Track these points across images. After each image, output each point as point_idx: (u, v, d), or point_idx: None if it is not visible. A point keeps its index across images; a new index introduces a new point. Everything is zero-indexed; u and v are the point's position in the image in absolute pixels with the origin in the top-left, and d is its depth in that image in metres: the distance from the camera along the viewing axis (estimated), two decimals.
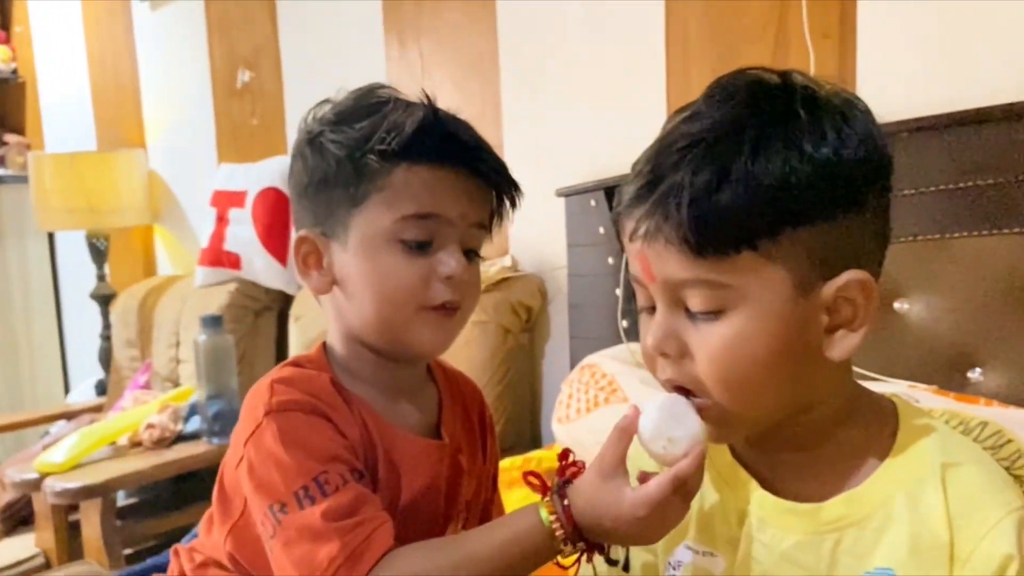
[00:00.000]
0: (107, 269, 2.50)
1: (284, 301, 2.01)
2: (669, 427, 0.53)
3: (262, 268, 1.98)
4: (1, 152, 3.06)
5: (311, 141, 0.66)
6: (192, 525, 1.37)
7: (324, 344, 0.70)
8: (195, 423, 1.69)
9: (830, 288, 0.50)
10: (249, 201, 2.01)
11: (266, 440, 0.60)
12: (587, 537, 0.55)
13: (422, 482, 0.66)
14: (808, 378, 0.52)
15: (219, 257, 2.06)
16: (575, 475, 0.57)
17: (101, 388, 2.47)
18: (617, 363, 1.20)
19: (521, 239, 1.61)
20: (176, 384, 2.03)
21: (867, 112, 0.52)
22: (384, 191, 0.63)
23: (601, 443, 0.56)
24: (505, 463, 1.09)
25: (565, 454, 0.60)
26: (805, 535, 0.54)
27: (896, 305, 1.03)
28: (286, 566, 0.58)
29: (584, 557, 0.57)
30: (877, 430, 0.55)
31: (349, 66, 1.88)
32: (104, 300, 2.46)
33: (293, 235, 0.69)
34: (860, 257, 0.51)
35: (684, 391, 0.54)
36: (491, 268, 1.52)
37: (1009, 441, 0.83)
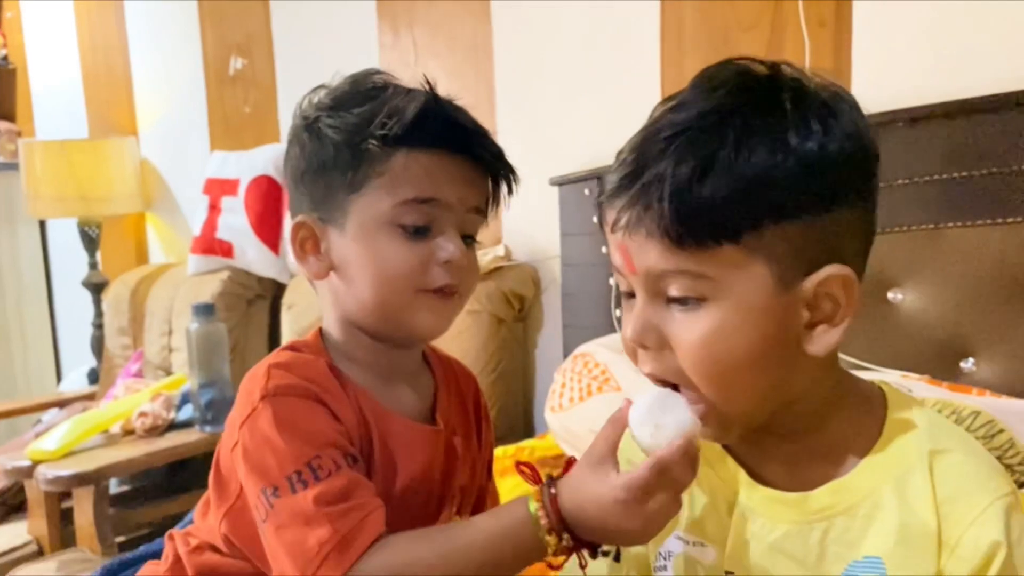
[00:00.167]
0: (99, 257, 2.49)
1: (276, 289, 2.01)
2: (658, 414, 0.53)
3: (254, 256, 1.97)
4: None
5: (308, 127, 0.66)
6: (185, 513, 1.36)
7: (320, 330, 0.70)
8: (187, 411, 1.69)
9: (811, 283, 0.50)
10: (241, 189, 2.00)
11: (261, 424, 0.60)
12: (572, 528, 0.54)
13: (417, 467, 0.67)
14: (790, 372, 0.52)
15: (211, 245, 2.05)
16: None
17: (93, 376, 2.46)
18: (610, 352, 1.20)
19: (514, 228, 1.60)
20: (168, 372, 2.02)
21: (855, 106, 0.51)
22: (383, 176, 0.63)
23: (594, 432, 0.56)
24: (498, 452, 1.09)
25: (570, 463, 0.59)
26: (794, 524, 0.54)
27: (889, 295, 1.03)
28: (278, 550, 0.58)
29: (576, 558, 0.56)
30: (864, 418, 0.55)
31: (342, 54, 1.87)
32: (96, 288, 2.45)
33: (287, 222, 0.69)
34: (843, 253, 0.51)
35: (672, 387, 0.53)
36: (484, 257, 1.52)
37: (1001, 431, 0.83)
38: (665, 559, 0.61)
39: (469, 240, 0.68)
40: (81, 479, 1.49)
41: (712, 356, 0.50)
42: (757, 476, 0.57)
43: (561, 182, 1.44)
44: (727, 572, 0.57)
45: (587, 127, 1.46)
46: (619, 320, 1.31)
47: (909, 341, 1.01)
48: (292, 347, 0.68)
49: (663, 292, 0.51)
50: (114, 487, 1.72)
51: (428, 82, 0.66)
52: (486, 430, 0.77)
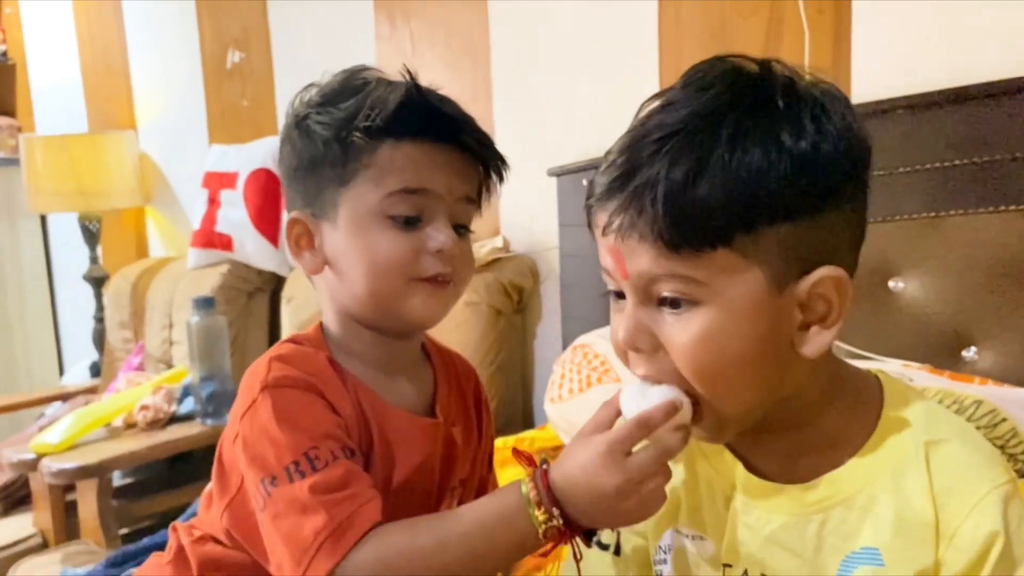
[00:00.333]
0: (100, 251, 2.49)
1: (276, 282, 2.01)
2: (645, 389, 0.52)
3: (254, 249, 1.97)
4: None
5: (298, 124, 0.67)
6: (187, 505, 1.38)
7: (321, 324, 0.70)
8: (189, 404, 1.69)
9: (804, 285, 0.49)
10: (240, 182, 2.00)
11: (260, 415, 0.61)
12: (562, 503, 0.53)
13: (416, 459, 0.67)
14: (783, 371, 0.52)
15: (211, 239, 2.05)
16: None
17: (95, 370, 2.47)
18: (609, 343, 1.20)
19: (512, 219, 1.60)
20: (169, 366, 2.03)
21: (846, 104, 0.51)
22: (370, 168, 0.64)
23: None
24: (498, 443, 1.09)
25: None
26: (791, 517, 0.54)
27: (891, 284, 1.02)
28: (274, 538, 0.58)
29: (572, 547, 0.55)
30: (860, 409, 0.54)
31: (339, 46, 1.87)
32: (97, 282, 2.45)
33: (285, 218, 0.69)
34: (835, 254, 0.50)
35: None
36: (482, 249, 1.52)
37: (1004, 420, 0.83)
38: (665, 552, 0.61)
39: (462, 230, 0.68)
40: (85, 472, 1.50)
41: (705, 358, 0.50)
42: (754, 469, 0.56)
43: (559, 173, 1.44)
44: (725, 565, 0.57)
45: (585, 117, 1.45)
46: None
47: (910, 330, 1.01)
48: (293, 340, 0.68)
49: (655, 295, 0.50)
50: (117, 480, 1.72)
51: (410, 72, 0.65)
52: (486, 422, 0.77)
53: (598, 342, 1.21)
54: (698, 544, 0.59)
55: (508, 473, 0.95)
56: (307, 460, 0.58)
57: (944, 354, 0.98)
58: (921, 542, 0.50)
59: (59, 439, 1.56)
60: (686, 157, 0.47)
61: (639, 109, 0.52)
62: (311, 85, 0.68)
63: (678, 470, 0.61)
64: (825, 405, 0.54)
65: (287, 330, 1.85)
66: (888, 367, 0.91)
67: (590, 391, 1.17)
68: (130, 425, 1.66)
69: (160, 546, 0.84)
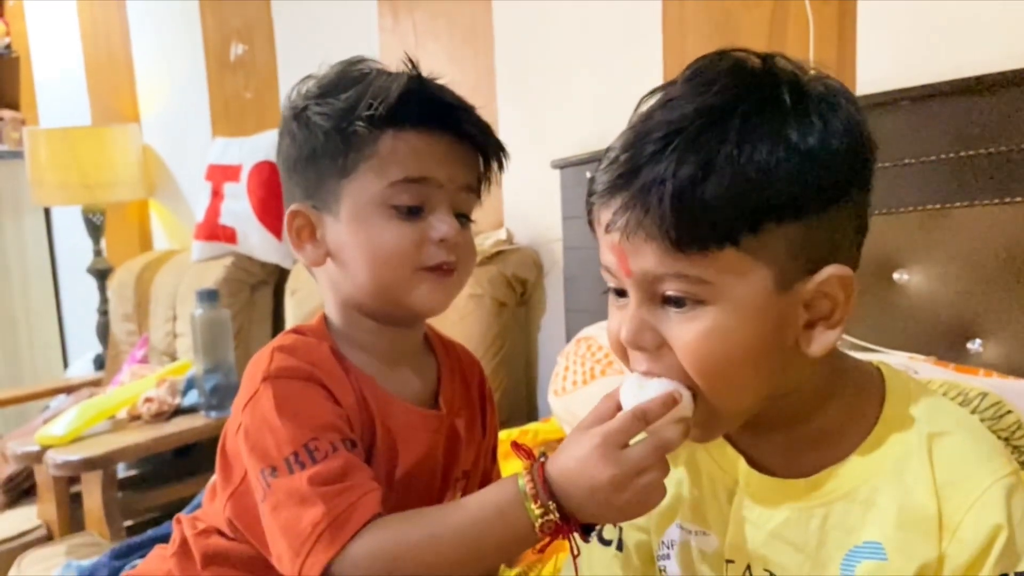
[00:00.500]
0: (103, 244, 2.50)
1: (280, 275, 2.01)
2: (645, 380, 0.52)
3: (258, 242, 1.97)
4: None
5: (297, 116, 0.66)
6: (191, 497, 1.38)
7: (324, 315, 0.70)
8: (193, 397, 1.70)
9: (810, 284, 0.49)
10: (244, 175, 1.99)
11: (262, 406, 0.61)
12: (558, 496, 0.52)
13: (419, 451, 0.67)
14: (786, 369, 0.51)
15: (215, 231, 2.05)
16: None
17: (99, 362, 2.47)
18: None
19: (516, 212, 1.59)
20: (173, 358, 2.03)
21: (851, 99, 0.51)
22: (372, 159, 0.64)
23: None
24: (501, 436, 1.09)
25: None
26: (793, 511, 0.54)
27: (896, 276, 1.02)
28: (274, 530, 0.58)
29: (569, 542, 0.55)
30: (861, 402, 0.54)
31: (342, 38, 1.86)
32: (101, 275, 2.46)
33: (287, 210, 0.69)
34: (840, 250, 0.50)
35: None
36: (486, 241, 1.51)
37: (1009, 412, 0.83)
38: (668, 548, 0.61)
39: (464, 219, 0.68)
40: (89, 464, 1.50)
41: (710, 356, 0.49)
42: (756, 463, 0.56)
43: (562, 165, 1.43)
44: (728, 561, 0.57)
45: (588, 109, 1.45)
46: None
47: (915, 322, 1.00)
48: (296, 331, 0.68)
49: (659, 294, 0.50)
50: (121, 472, 1.73)
51: (411, 62, 0.65)
52: (490, 415, 0.77)
53: (602, 335, 1.21)
54: (701, 539, 0.59)
55: (511, 466, 0.95)
56: (307, 451, 0.58)
57: (949, 346, 0.97)
58: (924, 535, 0.50)
59: (64, 431, 1.57)
60: (693, 155, 0.46)
61: (638, 104, 0.52)
62: (308, 77, 0.68)
63: (680, 465, 0.61)
64: (827, 399, 0.54)
65: (291, 322, 1.85)
66: (893, 359, 0.90)
67: (594, 384, 1.17)
68: (134, 417, 1.66)
69: (164, 538, 0.84)
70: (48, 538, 1.65)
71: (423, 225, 0.64)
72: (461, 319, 1.43)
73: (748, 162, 0.46)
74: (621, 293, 0.53)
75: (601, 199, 0.50)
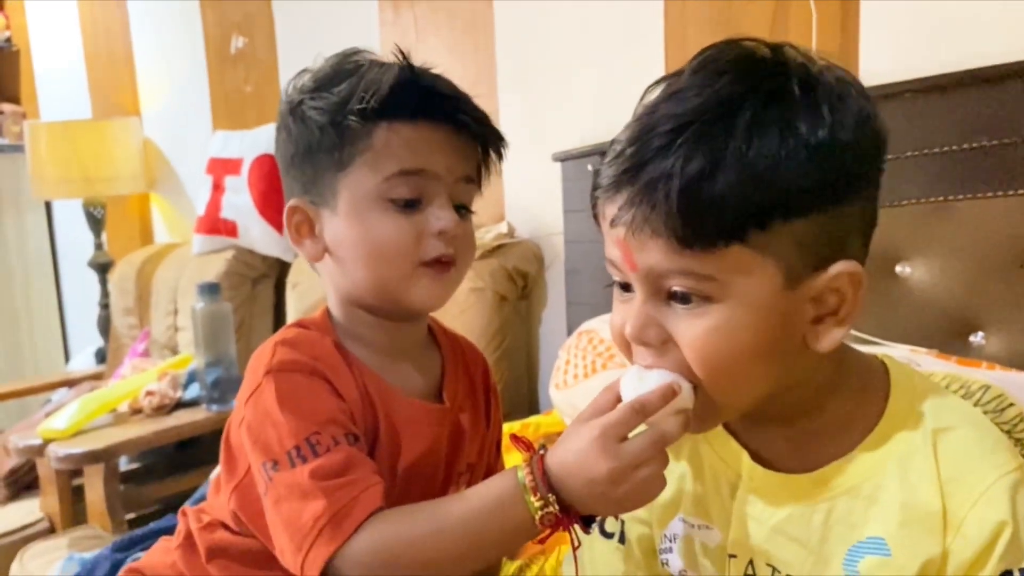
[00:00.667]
0: (104, 238, 2.50)
1: (281, 268, 2.01)
2: (644, 371, 0.52)
3: (259, 235, 1.97)
4: None
5: (292, 111, 0.66)
6: (193, 490, 1.38)
7: (327, 308, 0.70)
8: (194, 390, 1.70)
9: (820, 281, 0.48)
10: (245, 168, 1.99)
11: (264, 399, 0.61)
12: (557, 488, 0.52)
13: (422, 445, 0.67)
14: (793, 364, 0.51)
15: (215, 225, 2.04)
16: None
17: (101, 356, 2.48)
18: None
19: (517, 205, 1.59)
20: (175, 352, 2.03)
21: (861, 91, 0.50)
22: (367, 152, 0.63)
23: None
24: (503, 429, 1.10)
25: None
26: (797, 506, 0.54)
27: (898, 269, 1.02)
28: (276, 523, 0.58)
29: (569, 534, 0.55)
30: (866, 396, 0.54)
31: (342, 31, 1.85)
32: (102, 268, 2.46)
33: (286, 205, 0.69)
34: (849, 246, 0.49)
35: None
36: (487, 235, 1.51)
37: (1011, 405, 0.82)
38: (671, 541, 0.61)
39: (463, 210, 0.67)
40: (91, 457, 1.50)
41: (716, 353, 0.49)
42: (759, 458, 0.56)
43: (564, 158, 1.43)
44: (730, 555, 0.57)
45: (590, 102, 1.44)
46: None
47: (917, 315, 1.00)
48: (299, 324, 0.68)
49: (665, 290, 0.49)
50: (123, 465, 1.73)
51: (402, 53, 0.65)
52: (495, 408, 0.77)
53: (603, 328, 1.21)
54: (703, 533, 0.59)
55: (514, 459, 0.95)
56: (308, 445, 0.58)
57: (951, 339, 0.97)
58: (928, 531, 0.49)
59: (66, 425, 1.57)
60: (701, 150, 0.45)
61: (643, 95, 0.51)
62: (304, 71, 0.67)
63: (682, 459, 0.61)
64: (831, 393, 0.53)
65: (292, 316, 1.85)
66: (895, 352, 0.90)
67: (595, 377, 1.17)
68: (136, 411, 1.66)
69: (166, 531, 0.84)
70: (50, 531, 1.66)
71: (421, 218, 0.64)
72: (462, 312, 1.43)
73: (757, 157, 0.45)
74: (626, 287, 0.52)
75: (606, 193, 0.50)
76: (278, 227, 1.95)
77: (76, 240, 2.71)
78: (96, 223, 2.47)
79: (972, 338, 0.97)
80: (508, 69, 1.58)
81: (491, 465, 0.78)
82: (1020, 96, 0.93)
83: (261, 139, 1.98)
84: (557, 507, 0.52)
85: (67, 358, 2.99)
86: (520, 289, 1.53)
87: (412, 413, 0.67)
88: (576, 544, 0.55)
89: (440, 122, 0.64)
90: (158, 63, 2.46)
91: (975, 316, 0.97)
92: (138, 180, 2.45)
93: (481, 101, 0.68)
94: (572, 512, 0.53)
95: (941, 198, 0.98)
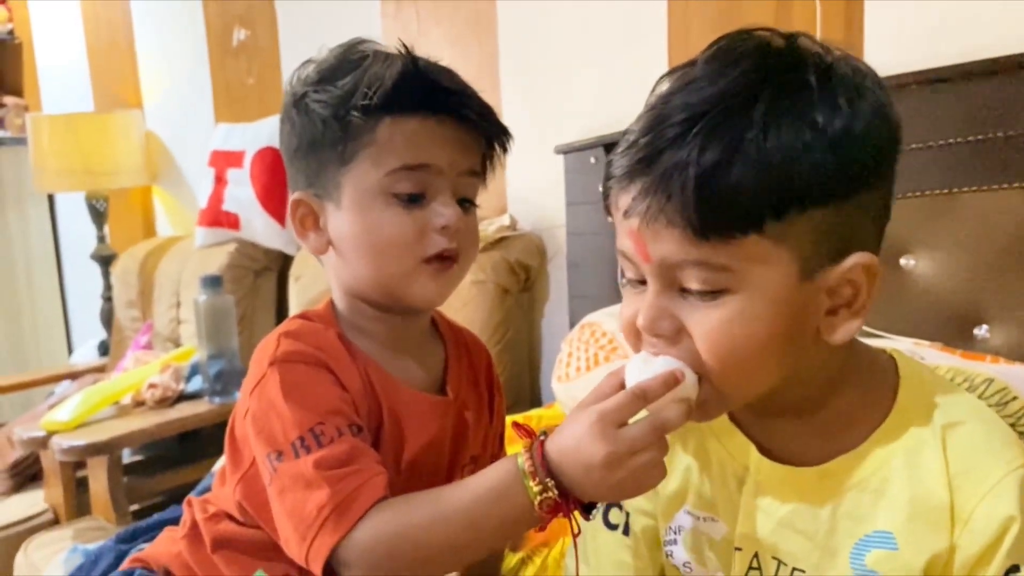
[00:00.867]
0: (107, 230, 2.50)
1: (283, 261, 2.01)
2: (650, 357, 0.51)
3: (261, 228, 1.97)
4: (0, 114, 3.03)
5: (296, 103, 0.66)
6: (196, 482, 1.38)
7: (331, 300, 0.70)
8: (197, 383, 1.70)
9: (835, 272, 0.48)
10: (247, 161, 1.99)
11: (268, 390, 0.61)
12: (556, 474, 0.52)
13: (426, 437, 0.67)
14: (805, 356, 0.51)
15: (218, 217, 2.04)
16: None
17: (103, 348, 2.48)
18: (618, 322, 1.19)
19: (519, 197, 1.59)
20: (177, 344, 2.03)
21: (877, 81, 0.49)
22: (371, 147, 0.63)
23: None
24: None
25: None
26: (803, 499, 0.54)
27: (902, 261, 1.01)
28: (281, 513, 0.59)
29: (569, 520, 0.54)
30: (876, 390, 0.53)
31: (344, 23, 1.85)
32: (105, 261, 2.46)
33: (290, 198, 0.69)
34: (864, 238, 0.49)
35: None
36: (489, 227, 1.51)
37: (1015, 398, 0.82)
38: (675, 534, 0.61)
39: (467, 204, 0.67)
40: (95, 449, 1.51)
41: (730, 344, 0.48)
42: (767, 451, 0.56)
43: (566, 150, 1.42)
44: (736, 548, 0.57)
45: (592, 95, 1.44)
46: None
47: (922, 308, 1.00)
48: (303, 316, 0.69)
49: (679, 281, 0.49)
50: (126, 457, 1.74)
51: (406, 47, 0.64)
52: (498, 401, 0.77)
53: (606, 320, 1.21)
54: (709, 525, 0.59)
55: (517, 451, 0.95)
56: (312, 436, 0.58)
57: (955, 332, 0.97)
58: (936, 525, 0.49)
59: (69, 417, 1.57)
60: (718, 139, 0.45)
61: (655, 85, 0.50)
62: (308, 61, 0.67)
63: (689, 451, 0.60)
64: (840, 386, 0.53)
65: (294, 309, 1.85)
66: (899, 345, 0.90)
67: (598, 369, 1.17)
68: (139, 403, 1.67)
69: (170, 522, 0.84)
70: (55, 522, 1.66)
71: (424, 213, 0.64)
72: (464, 305, 1.43)
73: (774, 147, 0.45)
74: (639, 282, 0.52)
75: (620, 183, 0.49)
76: (280, 220, 1.95)
77: (79, 233, 2.71)
78: (99, 216, 2.47)
79: (976, 331, 0.96)
80: (511, 61, 1.57)
81: (495, 457, 0.78)
82: None
83: (263, 132, 1.98)
84: (556, 492, 0.52)
85: (70, 351, 3.00)
86: (522, 282, 1.53)
87: (416, 405, 0.67)
88: (576, 531, 0.55)
89: (444, 116, 0.64)
90: (160, 56, 2.45)
91: (979, 309, 0.96)
92: (140, 173, 2.45)
93: (483, 94, 0.67)
94: (571, 498, 0.53)
95: (946, 191, 0.98)
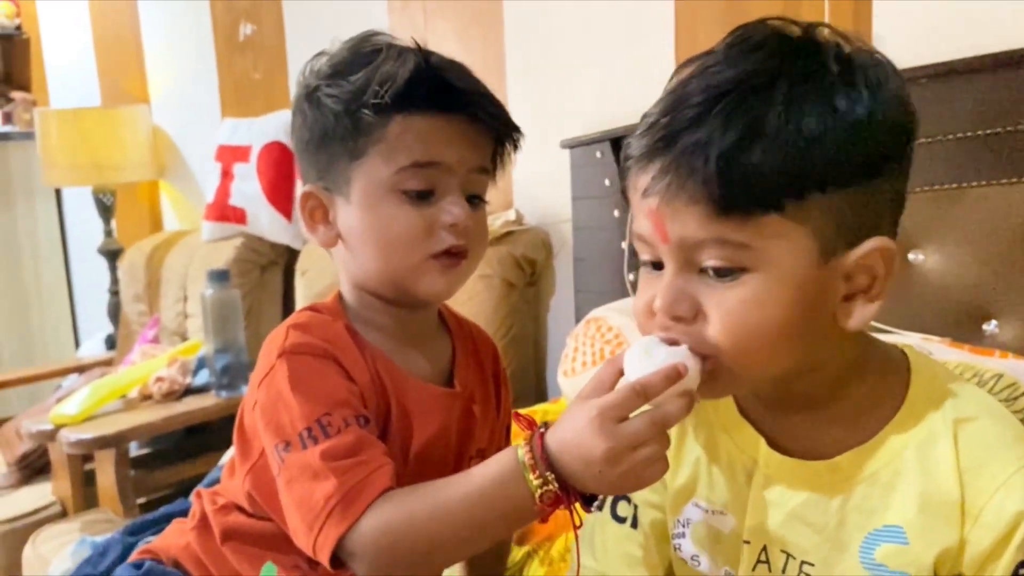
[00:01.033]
0: (114, 224, 2.51)
1: (290, 255, 2.01)
2: (652, 346, 0.51)
3: (267, 223, 1.98)
4: (8, 109, 3.04)
5: (309, 96, 0.66)
6: (203, 475, 1.39)
7: (340, 293, 0.71)
8: (203, 376, 1.71)
9: (853, 256, 0.48)
10: (253, 156, 1.99)
11: (277, 381, 0.61)
12: (556, 467, 0.52)
13: (433, 429, 0.67)
14: (819, 343, 0.51)
15: (224, 212, 2.05)
16: None
17: (111, 342, 2.49)
18: (623, 316, 1.19)
19: (525, 192, 1.59)
20: (184, 338, 2.04)
21: (895, 71, 0.50)
22: (381, 143, 0.63)
23: None
24: None
25: None
26: (813, 493, 0.54)
27: (911, 256, 1.01)
28: (289, 504, 0.59)
29: (570, 512, 0.54)
30: (887, 384, 0.53)
31: (350, 17, 1.84)
32: (112, 255, 2.47)
33: (299, 190, 0.69)
34: (881, 224, 0.49)
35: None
36: (495, 222, 1.51)
37: None
38: (684, 527, 0.61)
39: (476, 200, 0.67)
40: (102, 442, 1.52)
41: (747, 327, 0.48)
42: (777, 445, 0.56)
43: (572, 145, 1.42)
44: (744, 541, 0.57)
45: (598, 89, 1.43)
46: (632, 285, 1.29)
47: (930, 303, 0.99)
48: (312, 308, 0.69)
49: (697, 262, 0.49)
50: (134, 450, 1.75)
51: (417, 44, 0.65)
52: (504, 394, 0.78)
53: (612, 315, 1.21)
54: (718, 519, 0.59)
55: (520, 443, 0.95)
56: (320, 427, 0.59)
57: (964, 327, 0.96)
58: (946, 520, 0.49)
59: (76, 410, 1.58)
60: (740, 118, 0.46)
61: (674, 73, 0.51)
62: (321, 53, 0.67)
63: (698, 445, 0.60)
64: (851, 380, 0.53)
65: (300, 303, 1.85)
66: (907, 340, 0.89)
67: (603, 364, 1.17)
68: (146, 397, 1.67)
69: (177, 515, 0.85)
70: (63, 514, 1.67)
71: (433, 210, 0.64)
72: (470, 299, 1.43)
73: (796, 129, 0.45)
74: (655, 265, 0.52)
75: (639, 164, 0.49)
76: (287, 214, 1.95)
77: (86, 227, 2.72)
78: (106, 210, 2.48)
79: (985, 326, 0.96)
80: (517, 55, 1.57)
81: (500, 450, 0.78)
82: None
83: (270, 126, 1.99)
84: (556, 485, 0.52)
85: (77, 344, 3.01)
86: (528, 276, 1.53)
87: (423, 397, 0.67)
88: (577, 523, 0.55)
89: (455, 114, 0.64)
90: (167, 51, 2.46)
91: (989, 304, 0.96)
92: (147, 167, 2.46)
93: (490, 88, 0.67)
94: (572, 490, 0.53)
95: (955, 185, 0.97)
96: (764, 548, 0.56)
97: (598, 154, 1.36)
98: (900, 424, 0.52)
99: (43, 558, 1.42)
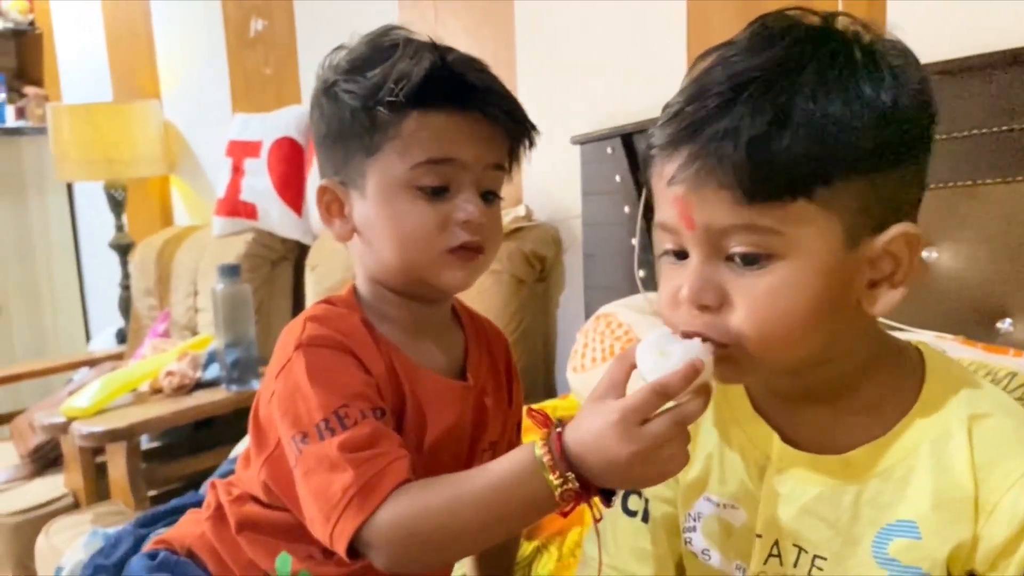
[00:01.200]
0: (125, 219, 2.52)
1: (300, 250, 2.02)
2: (665, 342, 0.51)
3: (278, 218, 1.98)
4: (21, 104, 3.06)
5: (327, 90, 0.66)
6: (213, 468, 1.40)
7: (354, 286, 0.71)
8: (214, 371, 1.72)
9: (879, 241, 0.49)
10: (264, 151, 2.00)
11: (294, 373, 0.62)
12: (576, 466, 0.52)
13: (447, 421, 0.68)
14: (842, 330, 0.51)
15: (235, 207, 2.06)
16: None
17: (121, 336, 2.51)
18: (633, 312, 1.19)
19: (535, 188, 1.59)
20: (194, 332, 2.05)
21: (916, 59, 0.50)
22: (396, 140, 0.63)
23: None
24: None
25: None
26: (826, 487, 0.54)
27: (924, 254, 1.00)
28: (306, 495, 0.60)
29: (590, 508, 0.55)
30: (902, 380, 0.53)
31: (361, 13, 1.84)
32: (123, 250, 2.48)
33: (310, 184, 0.69)
34: (905, 210, 0.50)
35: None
36: (505, 218, 1.51)
37: None
38: (695, 521, 0.61)
39: (491, 197, 0.67)
40: (114, 435, 1.53)
41: (774, 314, 0.48)
42: (790, 439, 0.56)
43: (583, 141, 1.42)
44: (756, 535, 0.57)
45: (609, 85, 1.43)
46: (642, 281, 1.29)
47: (944, 301, 0.99)
48: (328, 301, 0.69)
49: (724, 249, 0.49)
50: (145, 443, 1.76)
51: (433, 42, 0.65)
52: (516, 388, 0.78)
53: (621, 311, 1.21)
54: (729, 513, 0.59)
55: (533, 439, 0.95)
56: (337, 418, 0.59)
57: (978, 325, 0.96)
58: (959, 516, 0.49)
59: (88, 403, 1.59)
60: (768, 105, 0.46)
61: (695, 63, 0.51)
62: (340, 47, 0.67)
63: (711, 438, 0.60)
64: (866, 374, 0.53)
65: (311, 298, 1.86)
66: (921, 338, 0.89)
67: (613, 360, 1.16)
68: (156, 390, 1.68)
69: (188, 507, 0.86)
70: (75, 506, 1.68)
71: (448, 207, 0.64)
72: (480, 295, 1.43)
73: (824, 115, 0.46)
74: (679, 255, 0.52)
75: (664, 152, 0.50)
76: (297, 210, 1.96)
77: (97, 222, 2.74)
78: (117, 205, 2.49)
79: (999, 324, 0.95)
80: (527, 52, 1.57)
81: (512, 444, 0.78)
82: None
83: (280, 122, 1.99)
84: (577, 484, 0.52)
85: (88, 338, 3.03)
86: (537, 272, 1.53)
87: (437, 389, 0.68)
88: (598, 517, 0.56)
89: (470, 111, 0.64)
90: (178, 46, 2.47)
91: (1003, 302, 0.95)
92: (158, 162, 2.47)
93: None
94: (591, 487, 0.53)
95: (969, 182, 0.97)
96: (776, 542, 0.56)
97: (609, 150, 1.35)
98: (914, 420, 0.52)
99: (56, 549, 1.44)
